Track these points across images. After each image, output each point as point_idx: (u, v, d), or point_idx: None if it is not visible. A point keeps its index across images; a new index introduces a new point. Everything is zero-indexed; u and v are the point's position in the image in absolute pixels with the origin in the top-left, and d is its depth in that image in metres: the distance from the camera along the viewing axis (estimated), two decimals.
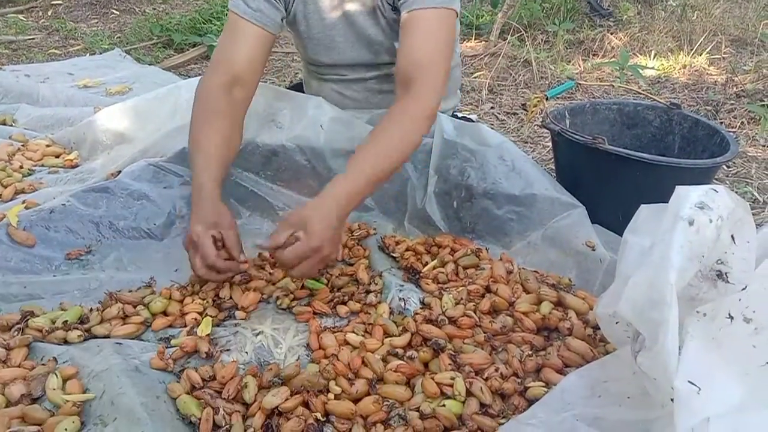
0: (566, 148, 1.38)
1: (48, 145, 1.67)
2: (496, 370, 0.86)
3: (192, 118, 1.18)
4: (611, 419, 0.73)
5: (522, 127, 2.17)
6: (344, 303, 1.07)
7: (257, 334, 1.00)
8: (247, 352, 0.96)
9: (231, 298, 1.08)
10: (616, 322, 0.80)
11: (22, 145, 1.68)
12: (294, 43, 1.59)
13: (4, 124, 1.86)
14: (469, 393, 0.82)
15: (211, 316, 1.03)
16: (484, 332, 0.96)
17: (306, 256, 0.96)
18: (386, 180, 1.09)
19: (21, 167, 1.54)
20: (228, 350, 0.96)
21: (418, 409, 0.80)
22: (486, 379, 0.84)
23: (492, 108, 2.41)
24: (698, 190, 0.73)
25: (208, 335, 0.97)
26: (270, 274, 1.16)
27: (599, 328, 0.91)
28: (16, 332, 0.96)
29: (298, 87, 1.61)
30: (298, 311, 1.05)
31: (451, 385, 0.83)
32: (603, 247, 1.15)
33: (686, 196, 0.73)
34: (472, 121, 1.49)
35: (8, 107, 1.98)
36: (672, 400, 0.62)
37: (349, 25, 1.28)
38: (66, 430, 0.77)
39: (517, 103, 2.41)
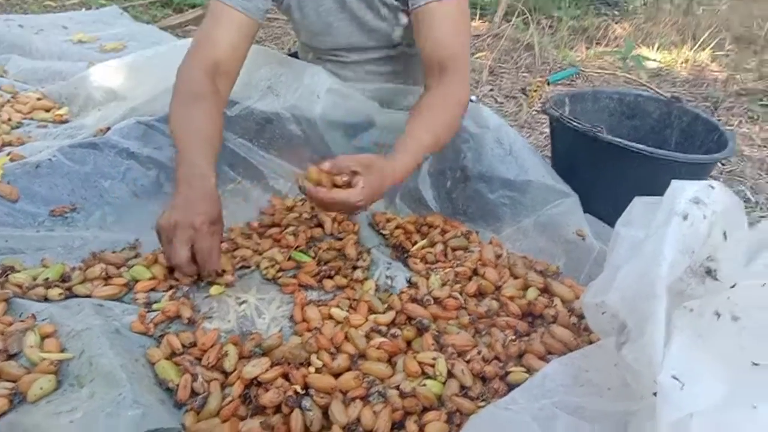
0: (564, 135, 1.37)
1: (38, 99, 1.64)
2: (479, 353, 0.85)
3: (174, 98, 1.12)
4: (592, 409, 0.73)
5: (520, 111, 2.16)
6: (330, 277, 1.06)
7: (241, 303, 0.99)
8: (229, 321, 0.95)
9: None
10: (602, 313, 0.80)
11: (12, 97, 1.65)
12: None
13: None
14: (450, 374, 0.82)
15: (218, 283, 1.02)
16: (469, 314, 0.95)
17: (345, 205, 0.93)
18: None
19: (9, 119, 1.50)
20: (210, 318, 0.95)
21: (398, 388, 0.80)
22: (468, 362, 0.84)
23: (491, 90, 2.39)
24: (694, 185, 0.72)
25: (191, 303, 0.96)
26: (257, 243, 1.15)
27: (584, 318, 0.91)
28: None
29: (295, 56, 1.58)
30: (284, 282, 1.04)
31: (433, 366, 0.82)
32: (593, 237, 1.14)
33: (682, 190, 0.72)
34: (471, 101, 1.47)
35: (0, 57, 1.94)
36: (654, 394, 0.62)
37: (346, 11, 1.25)
38: (42, 388, 0.75)
39: (517, 87, 2.39)
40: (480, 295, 1.02)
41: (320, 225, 1.21)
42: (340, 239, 1.17)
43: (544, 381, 0.77)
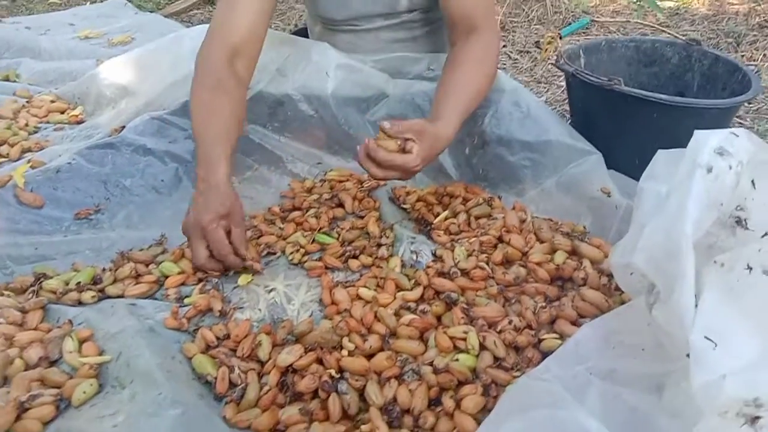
0: (581, 90, 1.33)
1: (52, 101, 1.65)
2: (510, 322, 0.85)
3: (194, 89, 1.10)
4: (625, 372, 0.72)
5: (535, 66, 2.11)
6: (355, 257, 1.06)
7: (269, 291, 0.99)
8: (260, 310, 0.96)
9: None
10: (631, 273, 0.79)
11: (27, 102, 1.66)
12: None
13: (8, 80, 1.84)
14: (482, 347, 0.82)
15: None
16: (497, 284, 0.95)
17: (402, 169, 0.97)
18: None
19: (26, 125, 1.52)
20: (241, 308, 0.96)
21: (431, 364, 0.80)
22: (499, 332, 0.84)
23: (504, 46, 2.33)
24: (717, 134, 0.69)
25: (222, 295, 0.97)
26: (280, 228, 1.15)
27: (614, 277, 0.90)
28: (31, 294, 0.97)
29: (302, 32, 1.56)
30: (310, 266, 1.04)
31: (465, 339, 0.82)
32: (618, 193, 1.12)
33: (705, 141, 0.70)
34: None
35: (11, 62, 1.95)
36: (687, 355, 0.61)
37: None
38: (85, 392, 0.77)
39: (531, 41, 2.33)
40: (507, 262, 1.01)
41: (341, 204, 1.21)
42: (362, 217, 1.17)
43: (576, 347, 0.76)
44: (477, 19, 1.15)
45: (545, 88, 1.99)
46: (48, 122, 1.57)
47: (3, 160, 1.34)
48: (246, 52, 1.15)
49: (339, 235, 1.12)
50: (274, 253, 1.09)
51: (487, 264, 0.99)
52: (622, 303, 0.90)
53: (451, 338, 0.83)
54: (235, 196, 1.03)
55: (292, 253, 1.08)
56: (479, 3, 1.15)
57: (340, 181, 1.28)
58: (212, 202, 0.99)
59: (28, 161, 1.24)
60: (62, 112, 1.61)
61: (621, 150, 1.21)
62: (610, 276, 0.94)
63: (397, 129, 0.96)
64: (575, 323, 0.85)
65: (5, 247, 1.05)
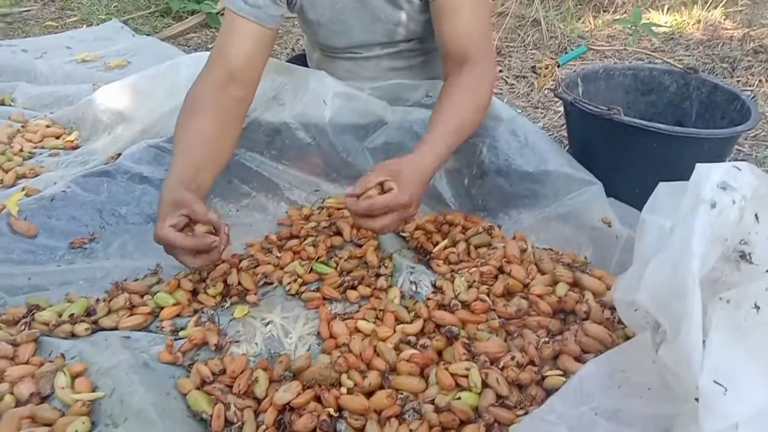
0: (579, 119, 1.33)
1: (48, 126, 1.64)
2: (512, 358, 0.83)
3: (181, 112, 1.12)
4: (631, 412, 0.70)
5: (532, 91, 2.11)
6: (354, 287, 1.05)
7: (266, 324, 0.98)
8: (257, 343, 0.94)
9: (240, 284, 1.06)
10: (635, 310, 0.78)
11: (22, 126, 1.65)
12: (299, 24, 1.52)
13: (3, 104, 1.83)
14: (484, 384, 0.80)
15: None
16: (499, 317, 0.94)
17: (393, 209, 0.93)
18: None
19: (21, 150, 1.51)
20: (237, 341, 0.94)
21: (432, 402, 0.79)
22: (502, 369, 0.82)
23: (500, 71, 2.34)
24: (720, 168, 0.69)
25: (217, 327, 0.96)
26: (277, 258, 1.14)
27: (617, 309, 0.89)
28: (23, 326, 0.95)
29: (299, 58, 1.56)
30: (308, 297, 1.02)
31: (467, 376, 0.81)
32: (619, 223, 1.11)
33: (707, 175, 0.69)
34: None
35: (6, 85, 1.94)
36: (696, 399, 0.59)
37: (363, 7, 1.23)
38: (77, 431, 0.75)
39: (527, 66, 2.34)
40: (508, 294, 1.00)
41: (339, 233, 1.20)
42: (360, 246, 1.16)
43: (581, 385, 0.75)
44: (470, 49, 1.13)
45: (542, 113, 1.99)
46: (43, 147, 1.55)
47: None
48: (242, 78, 1.15)
49: (337, 264, 1.11)
50: (271, 283, 1.08)
51: (488, 296, 0.97)
52: (626, 337, 0.89)
53: (453, 375, 0.81)
54: (178, 188, 1.01)
55: (289, 283, 1.06)
56: (473, 32, 1.14)
57: (338, 209, 1.27)
58: (160, 212, 0.98)
59: (23, 189, 1.22)
60: (57, 137, 1.59)
61: (621, 179, 1.21)
62: (613, 309, 0.93)
63: (364, 184, 0.94)
64: (579, 359, 0.84)
65: None
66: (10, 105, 1.84)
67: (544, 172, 1.18)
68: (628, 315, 0.80)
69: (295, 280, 1.07)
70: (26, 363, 0.89)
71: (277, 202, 1.32)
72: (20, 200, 1.15)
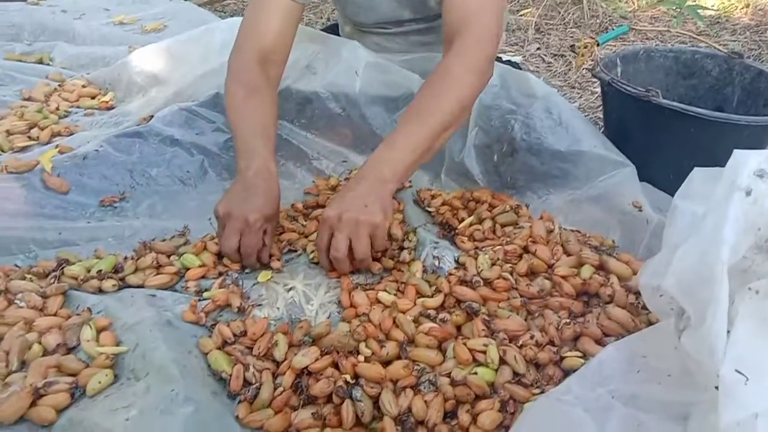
0: (617, 99, 1.30)
1: (84, 86, 1.66)
2: (532, 338, 0.83)
3: (230, 91, 1.13)
4: (649, 398, 0.69)
5: (570, 71, 2.07)
6: (377, 259, 1.05)
7: (289, 290, 0.98)
8: (278, 308, 0.95)
9: None
10: (660, 295, 0.76)
11: (59, 85, 1.67)
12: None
13: (41, 62, 1.86)
14: (502, 361, 0.80)
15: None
16: (521, 296, 0.93)
17: (344, 251, 0.93)
18: (441, 144, 1.02)
19: (57, 108, 1.53)
20: (260, 305, 0.95)
21: (449, 375, 0.79)
22: (520, 347, 0.82)
23: (538, 49, 2.29)
24: (758, 155, 0.66)
25: (240, 290, 0.97)
26: (302, 226, 1.14)
27: (641, 295, 0.87)
28: (53, 279, 0.97)
29: (334, 28, 1.55)
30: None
31: (484, 352, 0.80)
32: (650, 208, 1.09)
33: (744, 162, 0.66)
34: (518, 67, 1.42)
35: (45, 45, 1.97)
36: (716, 387, 0.58)
37: None
38: (100, 382, 0.77)
39: (566, 45, 2.28)
40: (531, 274, 0.99)
41: None
42: None
43: (600, 367, 0.74)
44: (462, 21, 1.02)
45: (579, 93, 1.95)
46: (78, 107, 1.58)
47: (32, 143, 1.35)
48: (275, 56, 1.16)
49: None
50: (295, 251, 1.09)
51: (511, 275, 0.97)
52: (649, 323, 0.88)
53: (471, 350, 0.81)
54: (278, 200, 1.04)
55: (313, 251, 1.07)
56: (466, 8, 1.03)
57: None
58: (260, 201, 1.00)
59: (57, 146, 1.24)
60: (93, 98, 1.61)
61: (656, 164, 1.18)
62: (637, 294, 0.92)
63: (319, 245, 0.97)
64: (599, 342, 0.83)
65: (30, 230, 1.06)
66: (48, 64, 1.86)
67: (576, 152, 1.16)
68: (653, 300, 0.78)
69: None
70: (54, 315, 0.91)
71: (304, 170, 1.32)
72: (54, 157, 1.17)
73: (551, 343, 0.84)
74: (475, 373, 0.78)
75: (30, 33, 2.05)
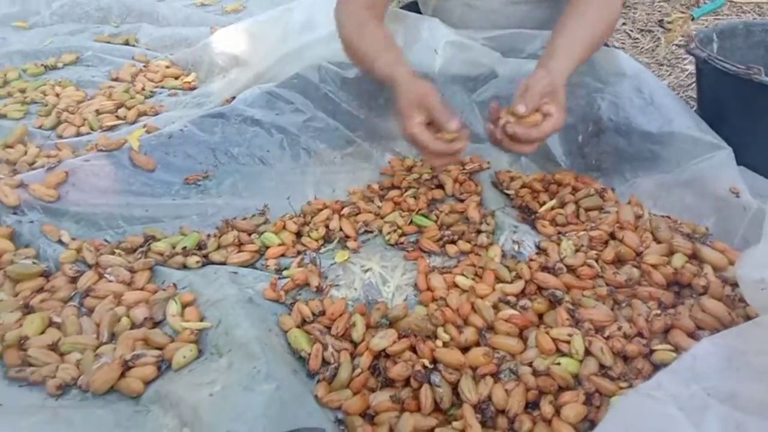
0: (713, 78, 1.22)
1: (167, 66, 1.71)
2: (619, 328, 0.79)
3: (344, 32, 1.15)
4: (750, 398, 0.65)
5: (658, 47, 1.95)
6: (453, 242, 1.03)
7: (366, 271, 0.98)
8: (355, 289, 0.95)
9: (341, 229, 1.08)
10: (762, 289, 0.71)
11: (144, 66, 1.73)
12: None
13: (128, 44, 1.92)
14: (587, 352, 0.77)
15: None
16: (607, 284, 0.89)
17: (552, 132, 0.94)
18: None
19: (143, 89, 1.59)
20: (337, 285, 0.96)
21: (530, 365, 0.76)
22: (607, 338, 0.78)
23: (623, 24, 2.17)
24: None
25: (319, 270, 0.97)
26: (378, 207, 1.14)
27: (739, 286, 0.82)
28: (140, 255, 1.01)
29: (413, 5, 1.52)
30: (407, 249, 1.02)
31: (569, 342, 0.78)
32: (749, 193, 1.02)
33: None
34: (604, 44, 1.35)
35: (131, 27, 2.05)
36: None
37: None
38: (185, 357, 0.80)
39: (653, 19, 2.16)
40: (618, 262, 0.94)
41: (441, 186, 1.18)
42: (462, 201, 1.14)
43: (694, 363, 0.70)
44: None
45: (668, 71, 1.84)
46: (163, 87, 1.63)
47: (120, 122, 1.41)
48: (377, 10, 1.17)
49: (437, 218, 1.09)
50: (371, 232, 1.08)
51: (597, 262, 0.93)
52: (747, 317, 0.82)
53: (554, 340, 0.78)
54: (419, 79, 1.02)
55: (389, 233, 1.06)
56: None
57: None
58: (405, 100, 0.97)
59: (144, 126, 1.29)
60: (176, 78, 1.66)
61: (754, 146, 1.10)
62: (734, 285, 0.86)
63: (531, 105, 0.92)
64: (692, 335, 0.78)
65: (119, 207, 1.10)
66: (134, 45, 1.93)
67: (668, 134, 1.09)
68: (754, 294, 0.73)
69: (395, 231, 1.06)
70: (141, 289, 0.95)
71: (380, 151, 1.31)
72: (141, 136, 1.21)
73: (640, 335, 0.80)
74: (559, 364, 0.76)
75: (117, 15, 2.13)
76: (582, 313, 0.82)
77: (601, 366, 0.76)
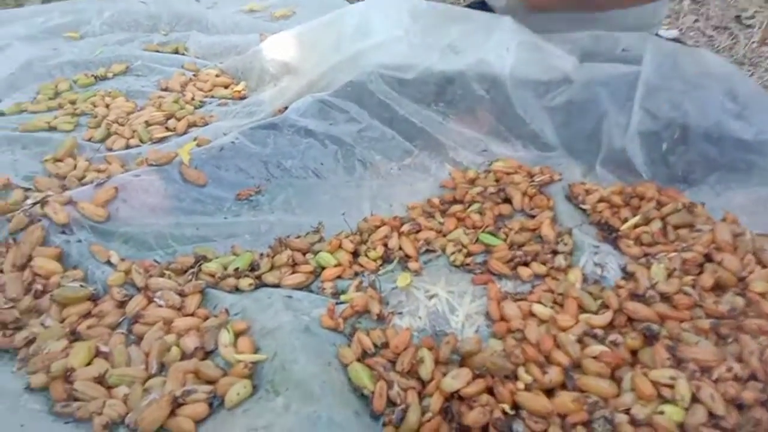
0: None
1: (217, 75, 1.67)
2: (729, 370, 0.69)
3: None
4: None
5: (736, 45, 1.81)
6: (527, 264, 0.94)
7: (431, 297, 0.90)
8: (420, 317, 0.87)
9: (401, 248, 1.00)
10: None
11: (194, 75, 1.69)
12: None
13: (177, 52, 1.89)
14: (694, 398, 0.67)
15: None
16: (707, 315, 0.78)
17: None
18: None
19: (192, 98, 1.54)
20: (400, 313, 0.88)
21: (627, 412, 0.67)
22: (715, 381, 0.68)
23: (696, 21, 2.04)
24: None
25: (380, 295, 0.90)
26: (440, 223, 1.05)
27: None
28: (191, 276, 0.96)
29: (479, 5, 1.44)
30: (474, 272, 0.93)
31: (672, 387, 0.68)
32: None
33: None
34: (682, 44, 1.23)
35: (180, 35, 2.01)
36: None
37: None
38: (239, 394, 0.73)
39: (729, 15, 2.01)
40: (718, 288, 0.84)
41: (508, 200, 1.09)
42: (533, 216, 1.04)
43: None
44: None
45: (749, 71, 1.70)
46: (213, 96, 1.58)
47: (170, 133, 1.36)
48: None
49: (506, 236, 1.00)
50: (434, 251, 1.00)
51: (693, 288, 0.82)
52: None
53: (654, 383, 0.68)
54: None
55: (453, 253, 0.98)
56: None
57: (508, 173, 1.15)
58: None
59: (195, 138, 1.24)
60: (226, 87, 1.61)
61: None
62: None
63: None
64: None
65: (169, 226, 1.05)
66: (183, 54, 1.90)
67: (766, 142, 0.98)
68: None
69: (460, 250, 0.98)
70: (192, 315, 0.89)
71: (440, 162, 1.23)
72: (191, 149, 1.16)
73: (753, 377, 0.69)
74: (662, 412, 0.66)
75: (166, 23, 2.10)
76: (684, 350, 0.72)
77: (711, 415, 0.66)
